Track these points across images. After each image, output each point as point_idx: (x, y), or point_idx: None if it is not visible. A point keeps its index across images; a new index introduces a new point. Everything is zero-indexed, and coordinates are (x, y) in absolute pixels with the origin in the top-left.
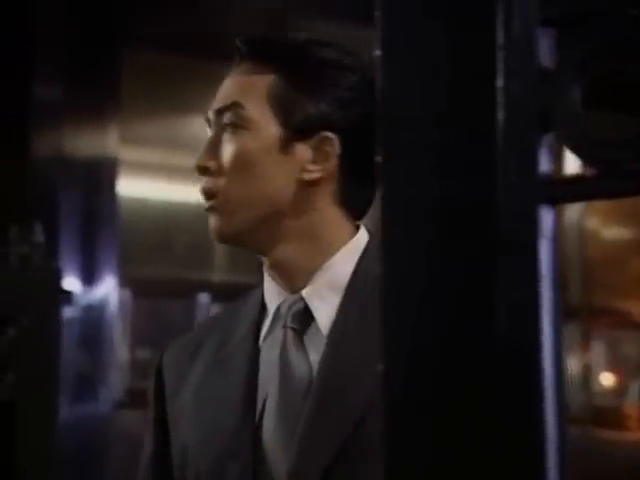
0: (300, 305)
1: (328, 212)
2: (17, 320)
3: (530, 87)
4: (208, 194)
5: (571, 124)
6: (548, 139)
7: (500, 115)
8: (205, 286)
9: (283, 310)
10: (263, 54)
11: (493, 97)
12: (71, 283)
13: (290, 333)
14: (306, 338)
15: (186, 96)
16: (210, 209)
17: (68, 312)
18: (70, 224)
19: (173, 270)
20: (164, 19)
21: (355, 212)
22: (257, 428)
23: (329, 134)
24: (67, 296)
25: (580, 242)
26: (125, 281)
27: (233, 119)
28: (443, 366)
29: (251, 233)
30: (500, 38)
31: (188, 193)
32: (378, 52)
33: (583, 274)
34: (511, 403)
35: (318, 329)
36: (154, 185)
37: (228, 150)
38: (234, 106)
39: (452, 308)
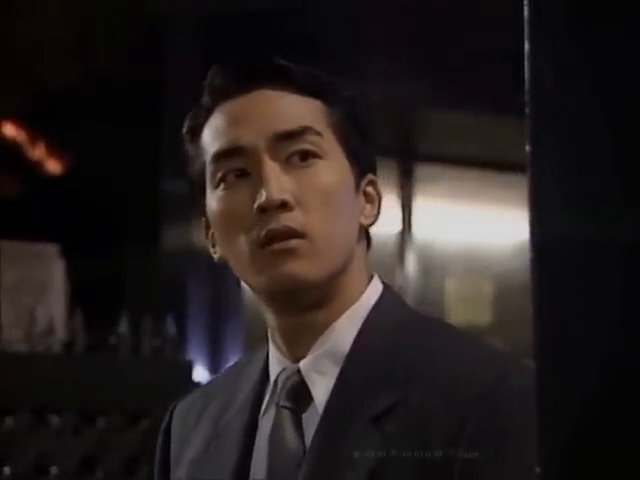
0: (295, 379)
1: (364, 263)
2: (149, 412)
3: None
4: (288, 233)
5: None
6: None
7: None
8: None
9: (280, 383)
10: (298, 81)
11: None
12: (199, 373)
13: (286, 412)
14: (305, 417)
15: None
16: (287, 252)
17: None
18: (198, 315)
19: None
20: None
21: None
22: None
23: (374, 177)
24: (196, 387)
25: None
26: None
27: (308, 147)
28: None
29: (328, 282)
30: None
31: None
32: (528, 147)
33: None
34: None
35: (316, 409)
36: None
37: (309, 181)
38: (308, 131)
39: (618, 410)
